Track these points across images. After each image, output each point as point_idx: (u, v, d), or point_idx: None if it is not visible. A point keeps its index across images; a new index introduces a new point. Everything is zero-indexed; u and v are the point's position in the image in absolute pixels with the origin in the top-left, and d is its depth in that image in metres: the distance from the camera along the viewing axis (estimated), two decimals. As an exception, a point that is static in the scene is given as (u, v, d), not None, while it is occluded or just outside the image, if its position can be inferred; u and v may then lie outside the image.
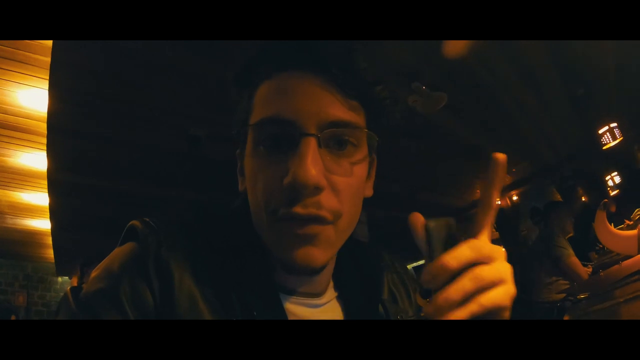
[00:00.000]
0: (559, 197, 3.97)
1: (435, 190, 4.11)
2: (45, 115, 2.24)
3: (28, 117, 2.41)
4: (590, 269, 2.26)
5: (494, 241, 0.37)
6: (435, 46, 2.04)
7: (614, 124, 3.09)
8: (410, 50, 2.05)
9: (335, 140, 0.41)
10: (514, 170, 4.00)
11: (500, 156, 0.36)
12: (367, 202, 0.47)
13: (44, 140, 2.47)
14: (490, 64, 2.29)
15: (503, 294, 0.34)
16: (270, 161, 0.40)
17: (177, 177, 3.08)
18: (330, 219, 0.40)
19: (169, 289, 0.37)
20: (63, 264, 5.03)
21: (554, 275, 2.39)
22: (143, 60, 1.89)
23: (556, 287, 2.37)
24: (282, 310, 0.42)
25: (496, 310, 0.33)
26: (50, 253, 4.79)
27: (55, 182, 2.93)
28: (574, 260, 2.30)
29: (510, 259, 0.36)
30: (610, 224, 1.84)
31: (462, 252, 0.33)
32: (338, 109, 0.40)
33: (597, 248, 2.56)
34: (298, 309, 0.44)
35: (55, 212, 3.46)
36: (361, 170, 0.43)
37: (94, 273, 0.40)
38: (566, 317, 1.54)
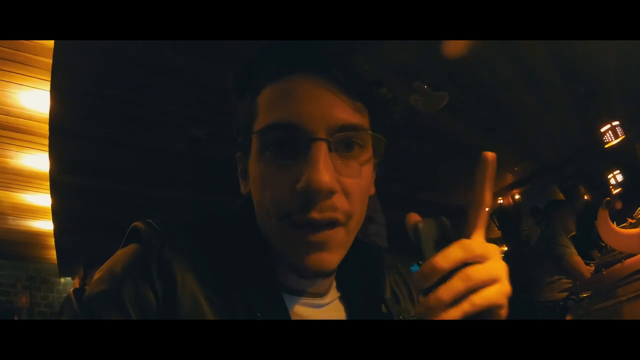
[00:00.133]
0: (561, 196, 3.96)
1: (437, 190, 4.10)
2: (47, 116, 2.25)
3: (29, 118, 2.42)
4: (593, 268, 2.25)
5: (496, 240, 0.37)
6: (435, 46, 2.04)
7: (615, 122, 3.09)
8: (410, 50, 2.05)
9: (344, 143, 0.41)
10: (515, 169, 3.99)
11: (489, 155, 0.36)
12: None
13: (46, 142, 2.48)
14: (490, 63, 2.29)
15: (496, 292, 0.34)
16: (279, 166, 0.40)
17: (178, 177, 3.08)
18: (343, 221, 0.40)
19: (171, 290, 0.37)
20: (66, 265, 5.04)
21: (556, 274, 2.38)
22: (143, 61, 1.90)
23: (558, 286, 2.36)
24: (285, 311, 0.42)
25: (490, 309, 0.33)
26: (52, 254, 4.81)
27: (58, 183, 2.94)
28: (577, 259, 2.30)
29: (512, 258, 0.36)
30: (613, 223, 1.83)
31: (452, 253, 0.33)
32: (345, 112, 0.40)
33: (599, 246, 2.55)
34: (301, 309, 0.44)
35: (57, 213, 3.48)
36: (368, 170, 0.43)
37: (96, 275, 0.40)
38: (569, 317, 1.54)
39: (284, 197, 0.39)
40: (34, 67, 2.03)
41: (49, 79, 1.98)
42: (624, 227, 1.90)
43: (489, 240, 0.37)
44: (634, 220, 1.98)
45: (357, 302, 0.48)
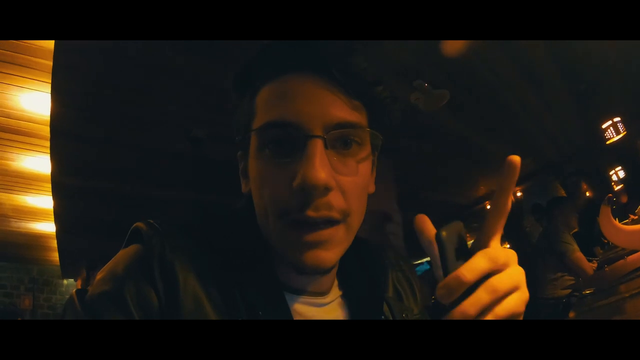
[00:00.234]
0: (563, 193, 3.95)
1: (437, 190, 4.10)
2: (48, 118, 2.25)
3: (30, 120, 2.42)
4: (595, 264, 2.25)
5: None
6: (435, 46, 2.03)
7: (617, 119, 3.08)
8: (410, 50, 2.04)
9: (341, 140, 0.41)
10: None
11: (515, 159, 0.34)
12: (373, 201, 0.46)
13: (47, 144, 2.48)
14: (490, 63, 2.28)
15: (517, 300, 0.34)
16: (277, 164, 0.40)
17: (179, 177, 3.09)
18: (340, 219, 0.40)
19: (173, 290, 0.37)
20: (68, 267, 5.05)
21: (559, 271, 2.38)
22: (143, 61, 1.90)
23: (561, 283, 2.35)
24: (287, 310, 0.42)
25: (510, 318, 0.33)
26: (55, 256, 4.82)
27: (59, 185, 2.95)
28: (579, 255, 2.29)
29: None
30: (615, 219, 1.83)
31: (478, 264, 0.32)
32: (342, 110, 0.40)
33: (602, 243, 2.55)
34: (303, 308, 0.44)
35: (59, 215, 3.48)
36: (366, 168, 0.43)
37: (99, 275, 0.40)
38: (572, 314, 1.54)
39: (282, 195, 0.39)
40: (34, 69, 2.04)
41: (50, 81, 1.99)
42: (626, 224, 1.89)
43: None
44: (637, 217, 1.97)
45: (359, 301, 0.48)
